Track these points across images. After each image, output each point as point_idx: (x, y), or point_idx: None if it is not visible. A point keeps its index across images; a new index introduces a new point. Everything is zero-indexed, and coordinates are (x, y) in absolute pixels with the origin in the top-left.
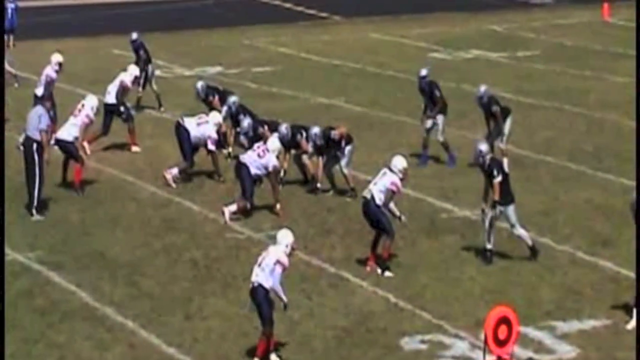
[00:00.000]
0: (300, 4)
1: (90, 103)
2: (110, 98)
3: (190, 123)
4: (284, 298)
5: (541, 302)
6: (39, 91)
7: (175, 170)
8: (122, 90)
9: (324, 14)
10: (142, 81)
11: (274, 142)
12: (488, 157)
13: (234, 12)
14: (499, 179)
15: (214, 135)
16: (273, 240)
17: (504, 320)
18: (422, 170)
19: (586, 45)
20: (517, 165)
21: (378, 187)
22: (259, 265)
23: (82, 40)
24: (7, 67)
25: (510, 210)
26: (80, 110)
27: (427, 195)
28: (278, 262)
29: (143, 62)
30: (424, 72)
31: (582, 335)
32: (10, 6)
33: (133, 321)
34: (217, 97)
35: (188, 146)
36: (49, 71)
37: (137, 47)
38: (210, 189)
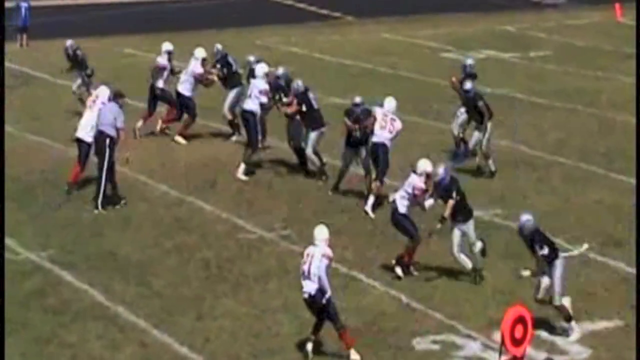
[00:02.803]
0: (313, 4)
1: (103, 94)
2: (186, 90)
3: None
4: None
5: None
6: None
7: (241, 167)
8: (195, 81)
9: (336, 14)
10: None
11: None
12: (447, 178)
13: (246, 12)
14: (456, 200)
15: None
16: (285, 240)
17: (520, 320)
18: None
19: (598, 46)
20: (529, 165)
21: (400, 194)
22: None
23: (94, 39)
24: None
25: (470, 226)
26: (94, 101)
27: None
28: None
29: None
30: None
31: (594, 336)
32: (23, 5)
33: (145, 321)
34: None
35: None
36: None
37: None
38: (222, 188)
